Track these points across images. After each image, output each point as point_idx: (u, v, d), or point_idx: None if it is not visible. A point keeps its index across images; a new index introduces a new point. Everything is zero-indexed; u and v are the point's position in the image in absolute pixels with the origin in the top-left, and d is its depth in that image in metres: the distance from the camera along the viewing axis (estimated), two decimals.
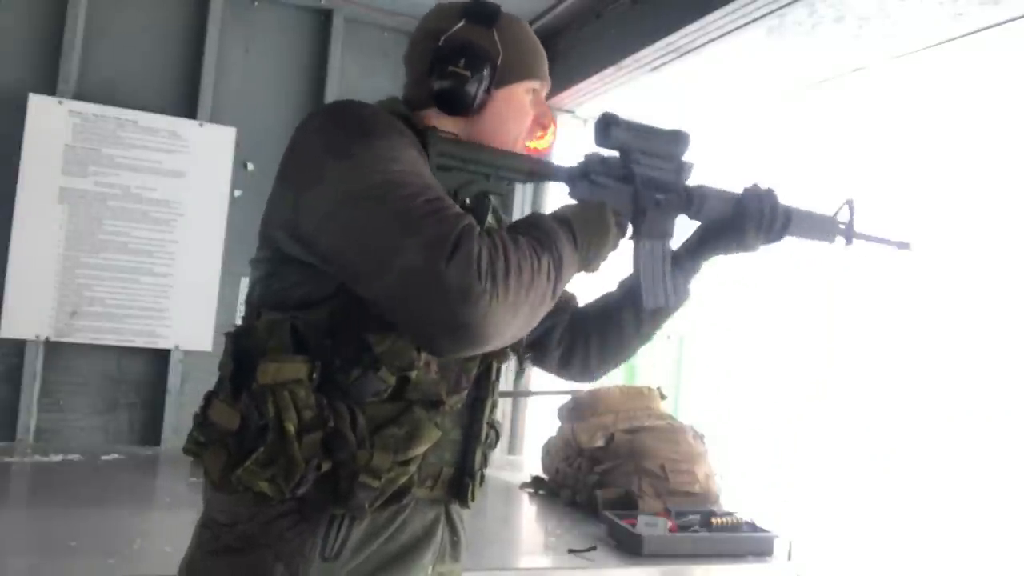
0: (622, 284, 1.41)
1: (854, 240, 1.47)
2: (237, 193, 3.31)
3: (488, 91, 1.17)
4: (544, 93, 1.26)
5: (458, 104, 1.16)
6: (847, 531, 2.99)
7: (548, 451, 2.95)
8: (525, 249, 0.97)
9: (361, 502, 1.04)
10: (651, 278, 1.30)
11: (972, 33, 2.42)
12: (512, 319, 0.94)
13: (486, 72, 1.15)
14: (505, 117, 1.20)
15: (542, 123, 1.25)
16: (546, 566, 2.12)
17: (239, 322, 1.14)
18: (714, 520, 2.30)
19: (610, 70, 3.05)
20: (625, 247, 1.25)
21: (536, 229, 1.04)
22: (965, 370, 4.06)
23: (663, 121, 1.30)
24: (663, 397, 2.92)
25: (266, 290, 1.10)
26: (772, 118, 3.64)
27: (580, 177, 1.20)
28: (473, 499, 1.20)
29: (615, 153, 1.24)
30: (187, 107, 3.25)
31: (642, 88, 3.18)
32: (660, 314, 1.38)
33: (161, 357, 3.20)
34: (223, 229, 3.25)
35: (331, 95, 3.42)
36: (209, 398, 1.10)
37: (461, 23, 1.17)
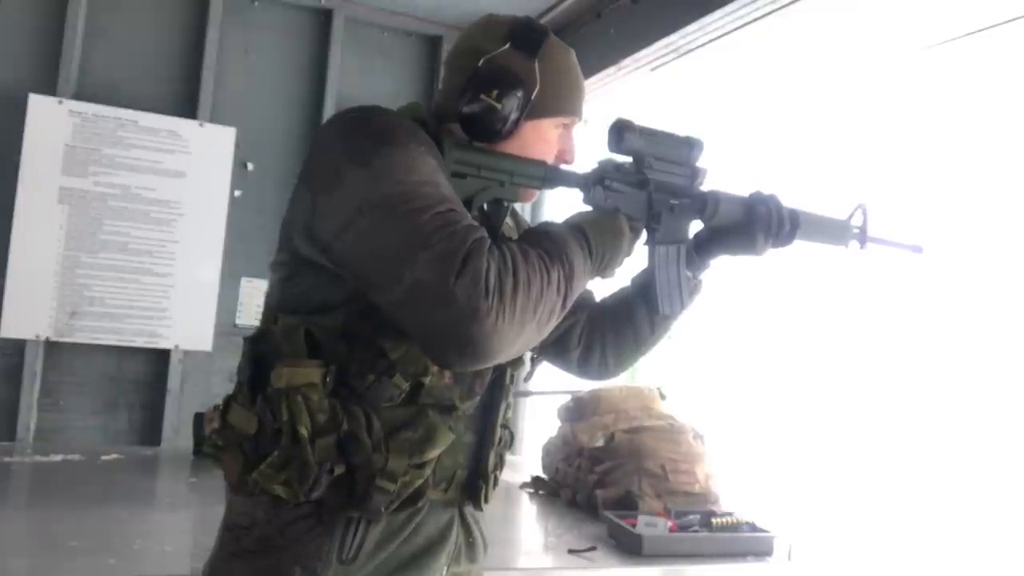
0: (635, 281, 1.41)
1: (868, 244, 1.47)
2: (237, 193, 3.31)
3: (517, 122, 1.15)
4: (574, 128, 1.25)
5: (483, 133, 1.14)
6: (847, 531, 2.99)
7: (548, 451, 2.95)
8: (535, 263, 0.98)
9: (377, 505, 1.05)
10: (667, 284, 1.30)
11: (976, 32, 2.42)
12: (519, 335, 0.95)
13: (517, 104, 1.14)
14: (530, 147, 1.18)
15: (565, 159, 1.23)
16: (546, 566, 2.12)
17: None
18: (714, 520, 2.30)
19: (610, 70, 3.05)
20: (640, 251, 1.26)
21: (548, 239, 1.04)
22: (967, 369, 4.06)
23: (674, 121, 1.29)
24: (663, 397, 2.92)
25: (284, 293, 1.11)
26: (776, 117, 3.65)
27: (594, 183, 1.20)
28: (487, 500, 1.21)
29: (628, 159, 1.24)
30: (187, 107, 3.25)
31: (646, 87, 3.19)
32: (674, 314, 1.38)
33: (161, 357, 3.20)
34: (223, 229, 3.25)
35: (331, 95, 3.43)
36: (228, 401, 1.11)
37: (505, 46, 1.15)
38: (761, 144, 3.95)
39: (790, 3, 2.35)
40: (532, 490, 2.85)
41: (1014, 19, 2.30)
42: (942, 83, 3.13)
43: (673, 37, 2.71)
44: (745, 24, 2.52)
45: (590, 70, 3.07)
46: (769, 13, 2.42)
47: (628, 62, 2.98)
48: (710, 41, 2.69)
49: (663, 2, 2.77)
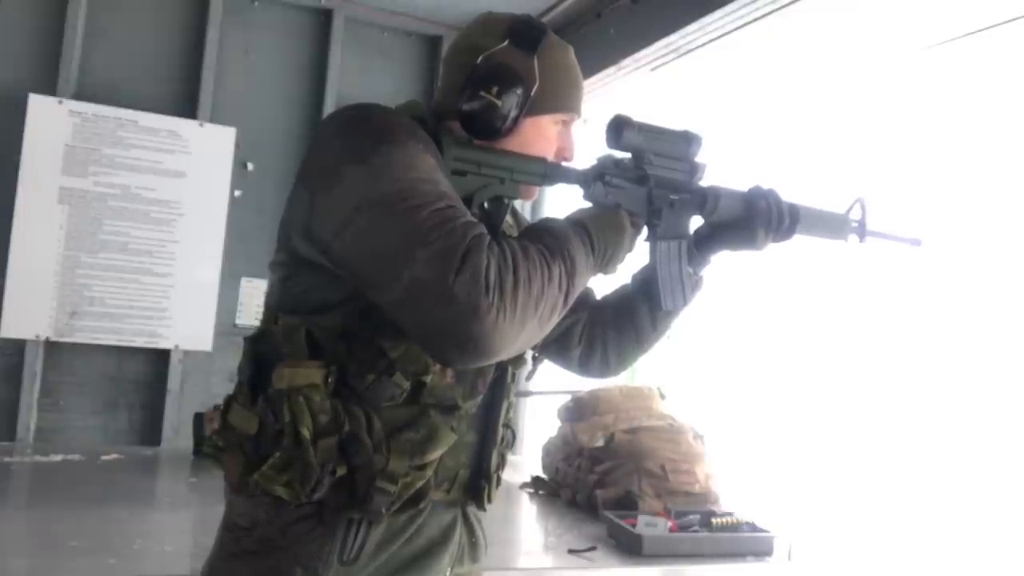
0: (635, 278, 1.41)
1: (867, 238, 1.46)
2: (237, 193, 3.31)
3: (516, 119, 1.15)
4: (573, 125, 1.24)
5: (483, 130, 1.14)
6: (847, 531, 2.99)
7: (548, 451, 2.95)
8: (535, 259, 0.97)
9: (378, 506, 1.04)
10: (668, 279, 1.30)
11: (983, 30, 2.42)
12: (520, 332, 0.95)
13: (517, 101, 1.13)
14: (529, 144, 1.18)
15: (564, 156, 1.23)
16: (546, 566, 2.12)
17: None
18: (714, 520, 2.30)
19: (610, 70, 3.06)
20: (640, 248, 1.26)
21: (549, 235, 1.04)
22: (967, 366, 4.06)
23: (675, 121, 1.29)
24: (663, 397, 2.92)
25: (283, 293, 1.11)
26: (779, 113, 3.65)
27: (594, 179, 1.20)
28: (490, 500, 1.21)
29: (627, 155, 1.23)
30: (187, 107, 3.25)
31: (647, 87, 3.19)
32: (676, 310, 1.38)
33: (161, 357, 3.20)
34: (223, 229, 3.25)
35: (331, 95, 3.43)
36: (228, 402, 1.11)
37: (504, 43, 1.15)
38: (761, 143, 3.95)
39: (790, 3, 2.35)
40: (532, 490, 2.85)
41: (1014, 19, 2.30)
42: (942, 83, 3.13)
43: (673, 37, 2.71)
44: (745, 24, 2.52)
45: (590, 70, 3.07)
46: (769, 13, 2.42)
47: (628, 62, 2.98)
48: (710, 41, 2.69)
49: (663, 2, 2.77)
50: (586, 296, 1.44)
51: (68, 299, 3.03)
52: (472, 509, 1.23)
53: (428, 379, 1.07)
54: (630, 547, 2.17)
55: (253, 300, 3.29)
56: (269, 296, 1.15)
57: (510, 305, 0.92)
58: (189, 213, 3.19)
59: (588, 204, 1.20)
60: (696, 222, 1.33)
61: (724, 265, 1.42)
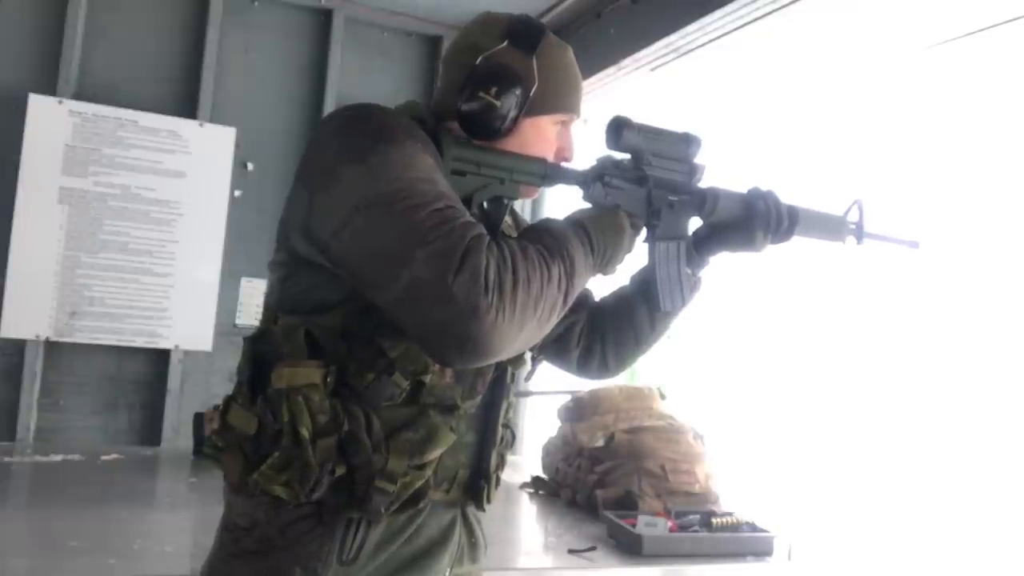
0: (634, 279, 1.41)
1: (865, 240, 1.46)
2: (237, 193, 3.31)
3: (516, 119, 1.15)
4: (573, 125, 1.24)
5: (482, 131, 1.14)
6: (847, 531, 2.99)
7: (548, 451, 2.95)
8: (535, 259, 0.97)
9: (377, 506, 1.04)
10: (667, 280, 1.30)
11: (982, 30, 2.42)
12: (519, 332, 0.95)
13: (516, 101, 1.13)
14: (528, 145, 1.18)
15: (563, 156, 1.23)
16: (546, 566, 2.12)
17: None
18: (714, 520, 2.30)
19: (610, 70, 3.06)
20: (639, 249, 1.26)
21: (548, 235, 1.04)
22: (967, 369, 4.07)
23: (674, 121, 1.29)
24: (663, 397, 2.92)
25: (283, 293, 1.11)
26: (779, 114, 3.65)
27: (594, 180, 1.20)
28: (489, 501, 1.21)
29: (627, 156, 1.23)
30: (187, 107, 3.25)
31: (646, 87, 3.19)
32: (674, 311, 1.38)
33: (161, 357, 3.20)
34: (223, 229, 3.25)
35: (331, 95, 3.43)
36: (228, 402, 1.11)
37: (503, 44, 1.15)
38: (761, 143, 3.95)
39: (790, 3, 2.35)
40: (532, 490, 2.85)
41: (1014, 19, 2.30)
42: (942, 83, 3.13)
43: (673, 37, 2.71)
44: (745, 24, 2.52)
45: (590, 70, 3.08)
46: (769, 13, 2.42)
47: (628, 62, 2.98)
48: (710, 41, 2.69)
49: (663, 2, 2.77)
50: (585, 297, 1.44)
51: (68, 299, 3.03)
52: (471, 509, 1.23)
53: (427, 379, 1.07)
54: (630, 547, 2.17)
55: (253, 300, 3.29)
56: (268, 296, 1.15)
57: (509, 305, 0.92)
58: (189, 213, 3.19)
59: (588, 205, 1.20)
60: (695, 223, 1.33)
61: (723, 266, 1.42)
